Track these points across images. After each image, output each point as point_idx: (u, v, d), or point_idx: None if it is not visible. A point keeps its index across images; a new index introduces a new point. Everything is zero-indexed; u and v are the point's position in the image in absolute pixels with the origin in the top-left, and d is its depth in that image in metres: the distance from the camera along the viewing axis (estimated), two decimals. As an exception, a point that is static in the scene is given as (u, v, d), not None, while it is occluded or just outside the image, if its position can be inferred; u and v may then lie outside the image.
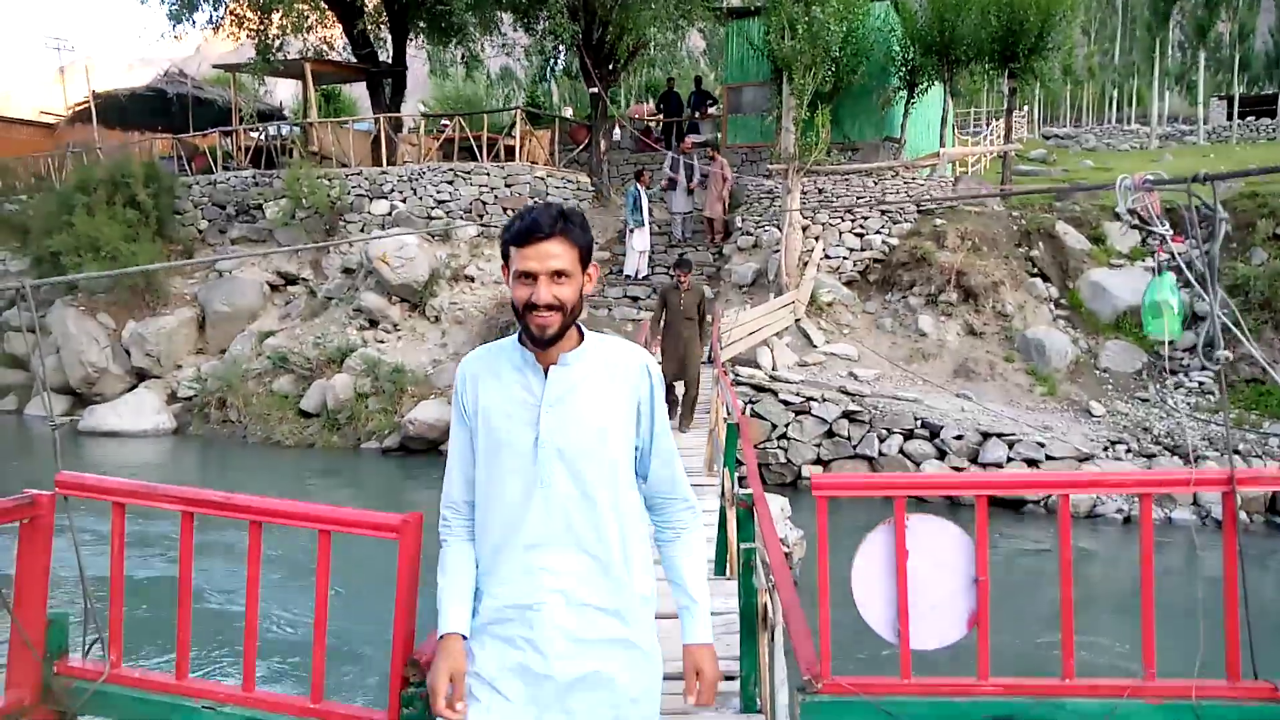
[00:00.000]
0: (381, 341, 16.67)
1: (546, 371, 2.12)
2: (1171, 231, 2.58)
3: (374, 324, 16.96)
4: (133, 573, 8.69)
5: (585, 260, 2.11)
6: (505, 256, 2.12)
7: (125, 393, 17.28)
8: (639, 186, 16.94)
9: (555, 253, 2.04)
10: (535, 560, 2.09)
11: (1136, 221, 2.55)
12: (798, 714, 2.51)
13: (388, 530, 2.51)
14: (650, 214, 17.38)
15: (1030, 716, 2.46)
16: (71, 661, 2.78)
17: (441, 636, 2.14)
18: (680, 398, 10.35)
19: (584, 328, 2.20)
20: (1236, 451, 11.65)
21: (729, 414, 7.77)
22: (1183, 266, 2.50)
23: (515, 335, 2.17)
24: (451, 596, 2.18)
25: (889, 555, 2.54)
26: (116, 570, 2.76)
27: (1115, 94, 53.63)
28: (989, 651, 2.52)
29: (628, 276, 17.30)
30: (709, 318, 10.64)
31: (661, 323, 10.22)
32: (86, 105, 24.17)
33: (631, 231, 17.15)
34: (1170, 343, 14.97)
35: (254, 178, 19.85)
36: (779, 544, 3.57)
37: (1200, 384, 13.61)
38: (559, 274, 2.05)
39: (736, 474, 6.51)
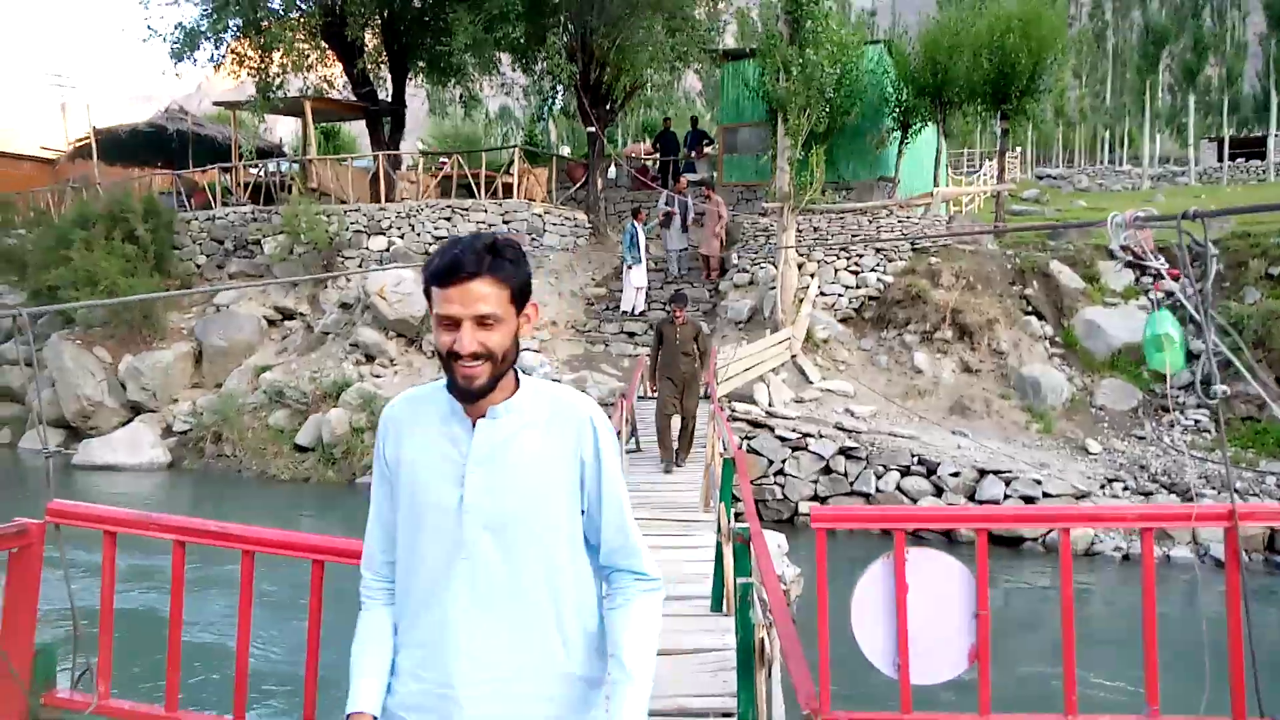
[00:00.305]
0: (378, 376, 16.65)
1: (476, 424, 1.87)
2: (1167, 265, 2.59)
3: (370, 359, 16.95)
4: (124, 603, 8.60)
5: (521, 299, 1.85)
6: (428, 296, 1.84)
7: (120, 426, 17.21)
8: (636, 224, 17.06)
9: (482, 294, 1.78)
10: (456, 638, 1.83)
11: (1130, 258, 2.57)
12: (797, 750, 2.48)
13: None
14: (647, 251, 17.48)
15: (1032, 753, 2.43)
16: (59, 692, 2.75)
17: (348, 716, 1.93)
18: (677, 434, 10.22)
19: (521, 373, 1.94)
20: (1235, 490, 11.62)
21: (725, 449, 7.76)
22: (1183, 301, 2.52)
23: (446, 379, 1.88)
24: (363, 669, 1.96)
25: (889, 589, 2.52)
26: (107, 600, 2.73)
27: (1107, 135, 54.29)
28: (990, 686, 2.49)
29: (625, 313, 17.35)
30: (707, 343, 10.66)
31: (658, 358, 10.13)
32: (87, 141, 24.31)
33: (629, 268, 17.21)
34: (1172, 376, 15.01)
35: (253, 213, 19.94)
36: (776, 579, 3.54)
37: (1196, 421, 13.62)
38: (486, 319, 1.79)
39: (733, 510, 6.48)
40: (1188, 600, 10.13)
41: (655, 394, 10.34)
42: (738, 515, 6.46)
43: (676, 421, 10.20)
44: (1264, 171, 38.80)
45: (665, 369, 10.01)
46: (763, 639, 4.13)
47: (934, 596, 2.49)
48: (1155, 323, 2.74)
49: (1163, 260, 2.63)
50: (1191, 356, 14.54)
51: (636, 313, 17.24)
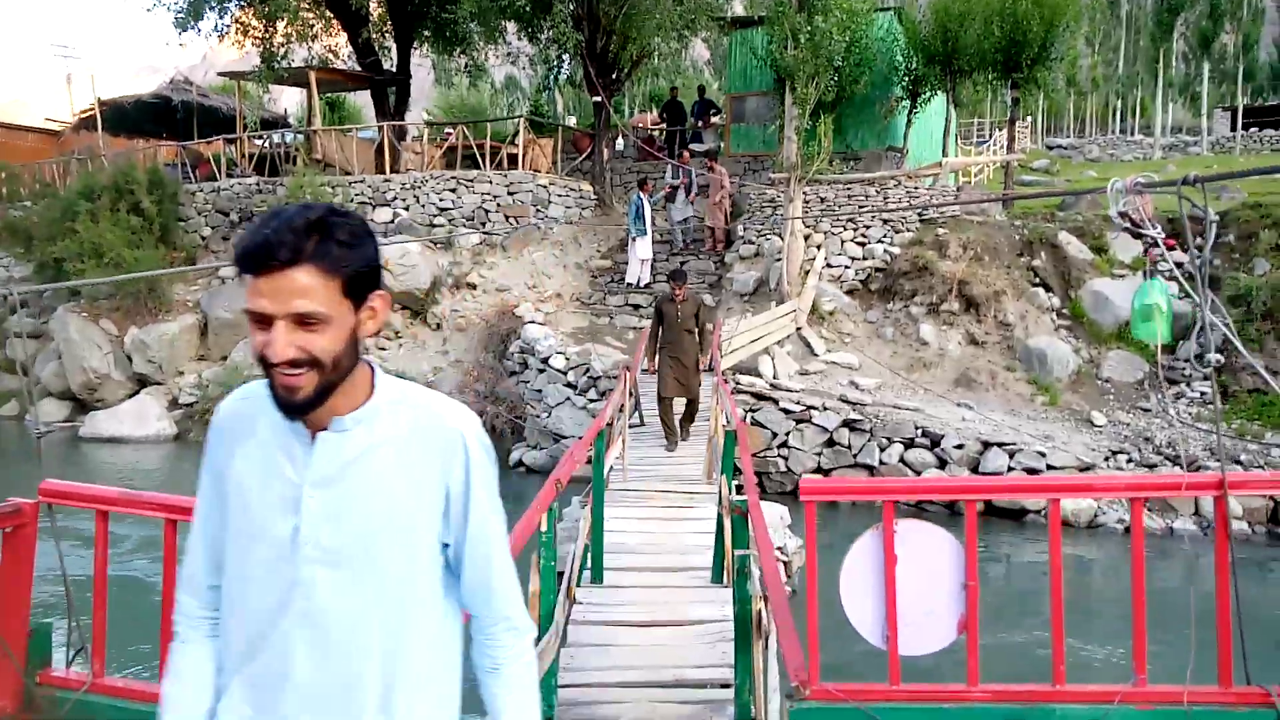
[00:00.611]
0: (383, 349, 16.68)
1: (316, 439, 1.52)
2: (1163, 234, 2.56)
3: (375, 331, 16.95)
4: (120, 579, 8.67)
5: (357, 291, 1.49)
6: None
7: (127, 399, 17.30)
8: (642, 195, 16.96)
9: (301, 286, 1.41)
10: (283, 695, 1.51)
11: (1128, 224, 2.54)
12: (785, 720, 2.50)
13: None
14: (653, 223, 17.39)
15: (1020, 723, 2.44)
16: (54, 671, 2.77)
17: None
18: (678, 416, 9.99)
19: (378, 371, 1.59)
20: (1238, 462, 11.59)
21: (728, 421, 7.76)
22: (1175, 272, 2.49)
23: None
24: (176, 712, 1.60)
25: (877, 560, 2.52)
26: (100, 579, 2.75)
27: (1119, 105, 53.68)
28: (979, 657, 2.50)
29: (630, 285, 17.29)
30: (709, 327, 10.26)
31: (658, 337, 9.78)
32: (92, 112, 24.24)
33: (633, 240, 17.13)
34: (1161, 346, 14.92)
35: (258, 185, 19.90)
36: (772, 551, 3.55)
37: (1202, 394, 13.55)
38: (307, 318, 1.42)
39: (734, 482, 6.49)
40: (1188, 572, 10.14)
41: (655, 372, 10.02)
42: (738, 487, 6.48)
43: (679, 404, 9.96)
44: (1278, 141, 38.37)
45: (666, 348, 9.64)
46: (760, 611, 4.15)
47: (923, 568, 2.49)
48: (1145, 292, 2.72)
49: (1159, 228, 2.60)
50: (1194, 326, 14.46)
51: (641, 285, 17.19)
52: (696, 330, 9.69)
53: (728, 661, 4.87)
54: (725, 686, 4.69)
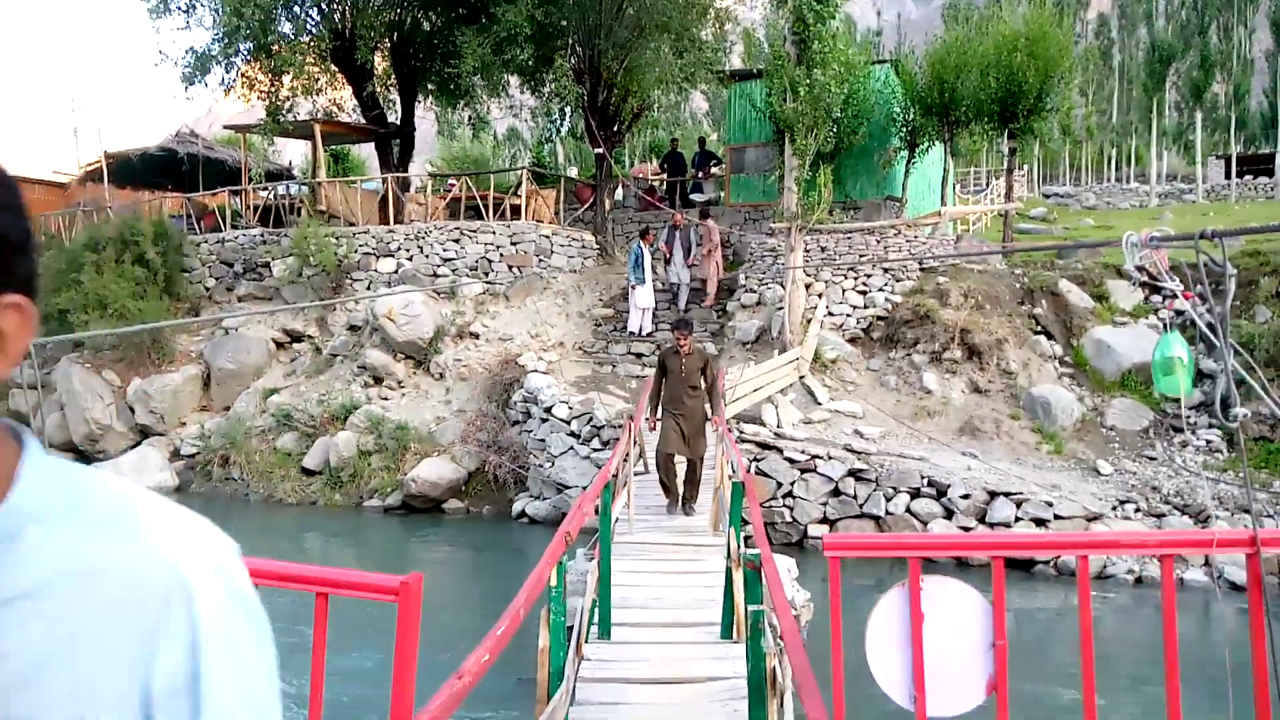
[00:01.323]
0: (385, 399, 16.65)
1: None
2: (1182, 287, 2.55)
3: (378, 381, 16.96)
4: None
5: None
6: None
7: (129, 450, 17.23)
8: (642, 244, 17.05)
9: None
10: None
11: (1145, 278, 2.53)
12: (811, 785, 2.42)
13: (386, 592, 2.44)
14: (654, 271, 17.44)
15: (1053, 788, 2.36)
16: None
17: None
18: (682, 480, 9.16)
19: (31, 446, 0.88)
20: (1245, 511, 11.50)
21: (734, 472, 7.70)
22: (1196, 320, 2.47)
23: None
24: None
25: (904, 618, 2.47)
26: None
27: (1114, 153, 54.29)
28: (1009, 718, 2.44)
29: (632, 334, 17.28)
30: (716, 380, 9.38)
31: (660, 394, 9.03)
32: (98, 165, 24.49)
33: (633, 288, 17.17)
34: (1184, 399, 14.84)
35: (262, 236, 20.03)
36: (788, 606, 3.49)
37: (1208, 442, 13.50)
38: None
39: (742, 534, 6.41)
40: (1201, 623, 10.01)
41: (655, 427, 9.28)
42: (747, 539, 6.40)
43: (682, 468, 9.14)
44: (1272, 189, 38.75)
45: (669, 405, 8.87)
46: (774, 668, 4.08)
47: (950, 626, 2.44)
48: (1165, 345, 2.70)
49: (1177, 281, 2.59)
50: (1201, 376, 14.45)
51: (643, 334, 17.20)
52: (704, 386, 8.92)
53: (740, 720, 4.78)
54: (739, 746, 4.59)
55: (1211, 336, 2.47)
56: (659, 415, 9.12)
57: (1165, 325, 2.56)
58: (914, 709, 2.48)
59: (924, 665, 2.45)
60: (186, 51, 20.06)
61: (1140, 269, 3.14)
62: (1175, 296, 2.55)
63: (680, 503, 9.09)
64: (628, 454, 9.09)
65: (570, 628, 4.51)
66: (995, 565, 2.49)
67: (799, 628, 7.24)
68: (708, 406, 8.97)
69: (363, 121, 22.11)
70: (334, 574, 2.48)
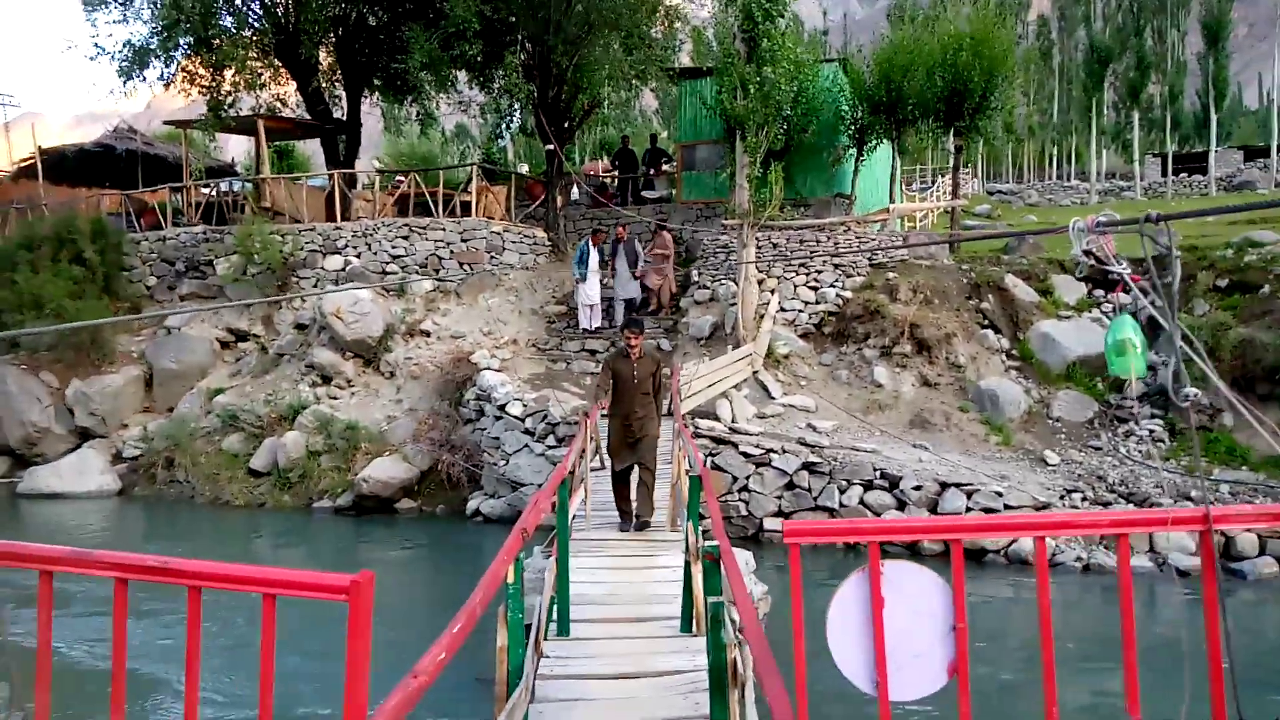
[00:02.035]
0: (335, 398, 16.38)
1: None
2: (1130, 270, 2.58)
3: (327, 380, 16.67)
4: (62, 643, 8.29)
5: None
6: None
7: (68, 453, 16.74)
8: (590, 242, 16.95)
9: None
10: None
11: (1093, 262, 2.55)
12: (775, 773, 2.40)
13: (336, 592, 2.38)
14: (600, 268, 17.12)
15: (1014, 769, 2.37)
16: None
17: None
18: (634, 493, 8.46)
19: None
20: (1188, 498, 11.80)
21: (691, 466, 7.68)
22: (1146, 305, 2.50)
23: None
24: None
25: (865, 604, 2.46)
26: (44, 644, 2.58)
27: (1055, 151, 55.43)
28: (969, 700, 2.44)
29: (585, 330, 17.18)
30: (666, 388, 8.80)
31: (609, 398, 8.32)
32: (32, 161, 23.77)
33: (578, 283, 17.05)
34: (1135, 381, 15.25)
35: (204, 234, 19.59)
36: (748, 597, 3.47)
37: (1151, 432, 13.82)
38: None
39: (700, 528, 6.40)
40: (1148, 608, 10.24)
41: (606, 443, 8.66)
42: (705, 533, 6.39)
43: (633, 478, 8.48)
44: (1206, 186, 39.84)
45: (619, 414, 8.22)
46: (735, 659, 4.06)
47: (911, 611, 2.44)
48: (1118, 328, 2.73)
49: (1125, 264, 2.62)
50: (1147, 368, 14.78)
51: (594, 328, 17.11)
52: (653, 393, 8.27)
53: (701, 712, 4.76)
54: (699, 739, 4.57)
55: (1160, 318, 2.50)
56: (609, 416, 8.38)
57: (1116, 308, 2.59)
58: (876, 694, 2.48)
59: (885, 650, 2.44)
60: (124, 45, 19.59)
61: (1088, 253, 3.19)
62: (1123, 281, 2.58)
63: (634, 519, 8.43)
64: (584, 450, 9.01)
65: (529, 625, 4.44)
66: (954, 549, 2.49)
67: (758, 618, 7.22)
68: (657, 413, 8.38)
69: (307, 117, 21.75)
70: (281, 574, 2.40)
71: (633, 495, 8.43)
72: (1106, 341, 2.61)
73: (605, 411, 8.63)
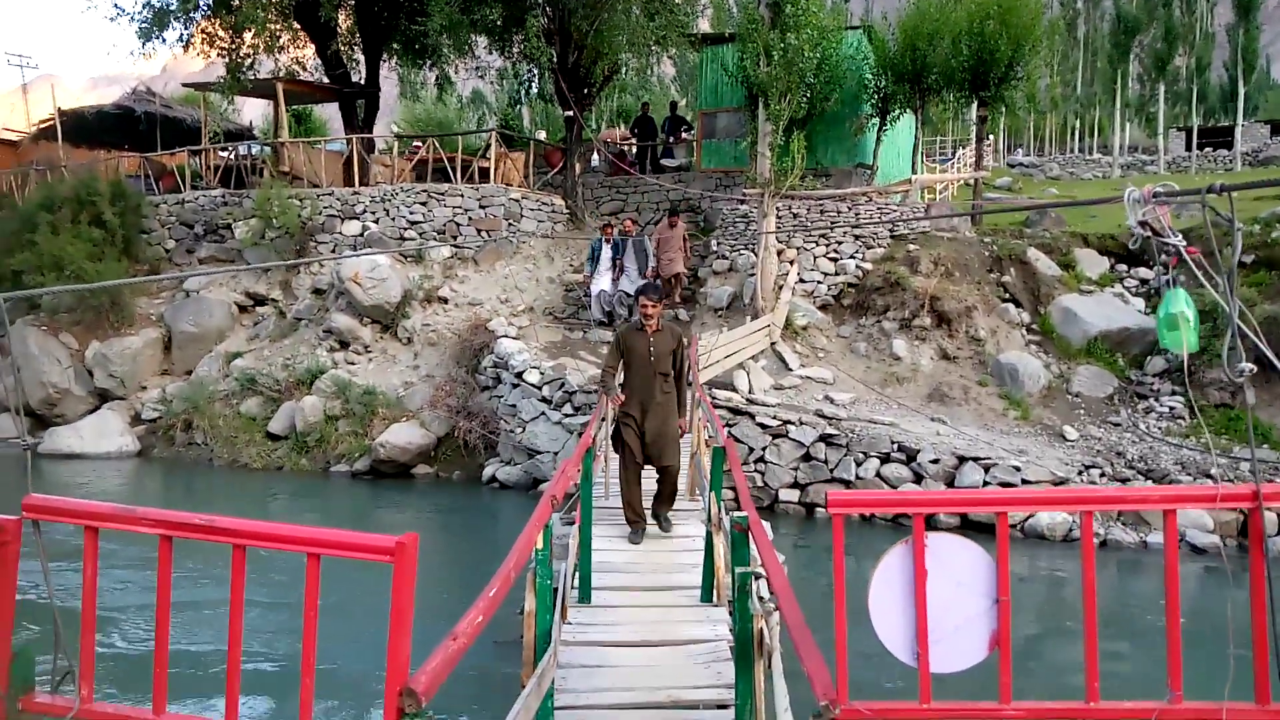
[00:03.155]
0: (352, 363, 16.43)
1: None
2: (1185, 243, 2.53)
3: (344, 345, 16.72)
4: (104, 601, 8.41)
5: None
6: None
7: (88, 414, 16.88)
8: (603, 240, 16.34)
9: None
10: None
11: (1148, 234, 2.50)
12: (813, 742, 2.40)
13: (381, 553, 2.38)
14: (612, 264, 16.26)
15: (1055, 743, 2.37)
16: (38, 697, 2.61)
17: None
18: (650, 493, 7.34)
19: None
20: (1208, 476, 11.74)
21: (713, 436, 7.68)
22: (1200, 279, 2.46)
23: None
24: None
25: (907, 575, 2.45)
26: (89, 599, 2.59)
27: (1077, 124, 54.73)
28: (1011, 674, 2.43)
29: (599, 322, 16.41)
30: (689, 369, 7.34)
31: (620, 380, 7.02)
32: (51, 123, 23.76)
33: (589, 279, 16.54)
34: (1130, 362, 14.93)
35: (223, 197, 19.59)
36: (780, 567, 3.47)
37: (1171, 409, 13.73)
38: None
39: (724, 497, 6.41)
40: (1163, 585, 10.21)
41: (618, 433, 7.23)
42: (730, 504, 6.39)
43: (649, 476, 7.27)
44: (1231, 161, 39.28)
45: (632, 399, 6.89)
46: (761, 629, 4.07)
47: (953, 583, 2.42)
48: (1171, 301, 2.68)
49: (1179, 236, 2.57)
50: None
51: (605, 316, 16.39)
52: (674, 374, 6.93)
53: (722, 682, 4.79)
54: (721, 707, 4.60)
55: (1215, 294, 2.45)
56: (621, 398, 7.04)
57: (1171, 281, 2.54)
58: (916, 666, 2.47)
59: (927, 622, 2.43)
60: (144, 6, 19.47)
61: (1143, 224, 3.13)
62: (1179, 253, 2.53)
63: (653, 518, 7.32)
64: (604, 418, 8.99)
65: (556, 590, 4.47)
66: (1000, 521, 2.47)
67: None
68: (678, 398, 7.07)
69: (326, 81, 21.63)
70: (326, 534, 2.40)
71: (645, 502, 7.25)
72: (1159, 315, 2.57)
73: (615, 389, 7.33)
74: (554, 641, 4.19)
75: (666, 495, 7.32)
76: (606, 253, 16.25)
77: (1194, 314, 2.56)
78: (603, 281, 16.34)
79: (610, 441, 7.66)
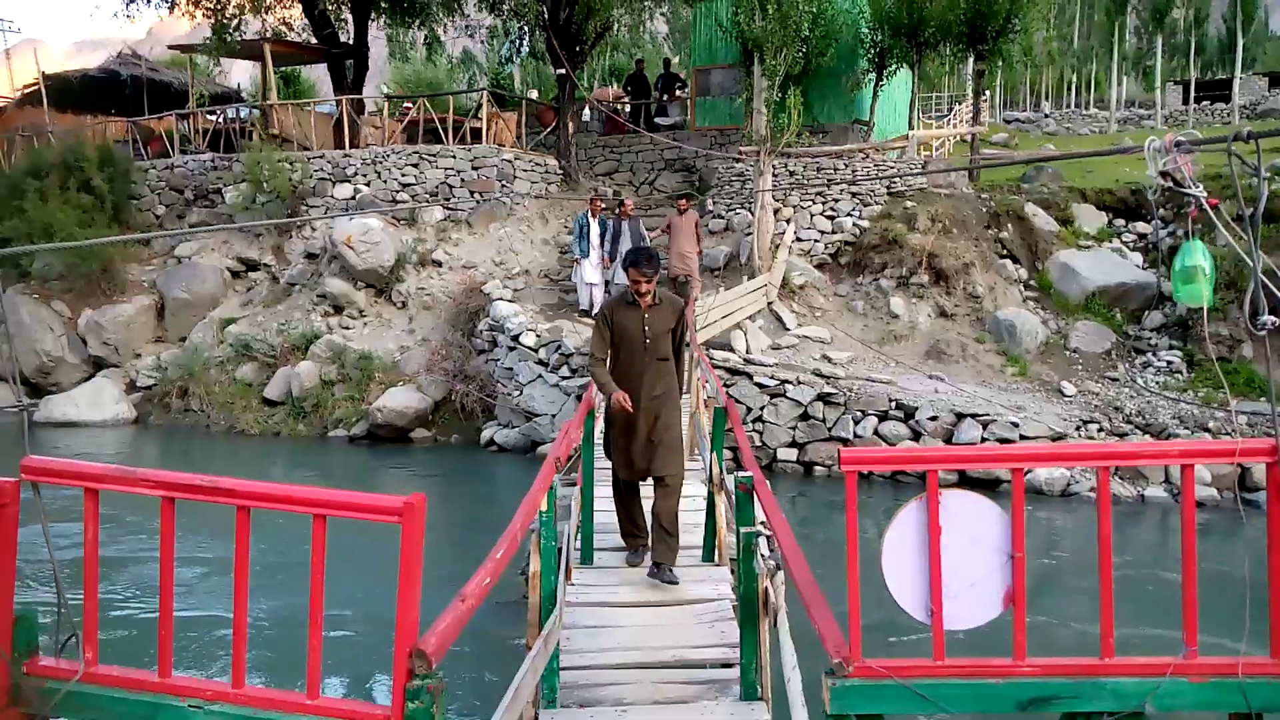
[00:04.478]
0: (347, 328, 16.34)
1: None
2: (1206, 194, 2.47)
3: (339, 310, 16.62)
4: (107, 565, 8.42)
5: None
6: None
7: (82, 382, 16.81)
8: (589, 214, 14.64)
9: None
10: None
11: (1170, 185, 2.44)
12: (827, 699, 2.39)
13: (389, 513, 2.34)
14: (602, 244, 14.47)
15: (1070, 697, 2.36)
16: (43, 660, 2.59)
17: None
18: (650, 519, 5.72)
19: None
20: (1206, 429, 11.76)
21: (713, 396, 7.65)
22: (1219, 228, 2.40)
23: None
24: None
25: (921, 532, 2.41)
26: (91, 561, 2.56)
27: (1074, 79, 54.20)
28: (1025, 631, 2.41)
29: (584, 312, 14.92)
30: (688, 344, 6.37)
31: (609, 363, 5.59)
32: (36, 88, 23.39)
33: (578, 262, 14.99)
34: (1129, 317, 14.87)
35: (212, 161, 19.36)
36: (787, 526, 3.45)
37: (1169, 363, 13.73)
38: None
39: (725, 457, 6.39)
40: (1160, 535, 10.31)
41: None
42: (732, 463, 6.37)
43: (647, 497, 5.85)
44: (1229, 114, 38.96)
45: (624, 384, 5.43)
46: (766, 588, 4.06)
47: (968, 539, 2.39)
48: (1186, 253, 2.64)
49: (1201, 188, 2.51)
50: (1163, 298, 14.64)
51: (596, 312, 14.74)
52: (673, 353, 5.62)
53: (726, 641, 4.80)
54: (726, 666, 4.61)
55: (1236, 246, 2.40)
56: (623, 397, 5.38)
57: (1188, 233, 2.49)
58: (930, 623, 2.45)
59: (941, 579, 2.41)
60: (126, -35, 19.06)
61: (1165, 175, 3.06)
62: (1200, 205, 2.47)
63: (650, 555, 5.75)
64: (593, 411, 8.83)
65: (560, 550, 4.45)
66: (1015, 477, 2.44)
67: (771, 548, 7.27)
68: (675, 384, 5.73)
69: (314, 41, 21.28)
70: (333, 495, 2.37)
71: (646, 513, 5.89)
72: (1174, 268, 2.52)
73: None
74: (559, 603, 4.18)
75: (665, 525, 5.53)
76: (594, 229, 14.49)
77: (1211, 267, 2.50)
78: (592, 272, 14.66)
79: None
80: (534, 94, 29.92)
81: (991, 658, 2.45)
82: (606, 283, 14.58)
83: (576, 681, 4.38)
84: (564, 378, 13.53)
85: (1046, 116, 44.28)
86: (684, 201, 14.34)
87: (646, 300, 5.45)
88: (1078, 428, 12.07)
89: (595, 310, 13.60)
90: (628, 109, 22.80)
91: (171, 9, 19.88)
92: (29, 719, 2.53)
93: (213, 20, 19.29)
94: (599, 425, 6.30)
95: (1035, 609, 7.90)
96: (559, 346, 13.78)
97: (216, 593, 7.88)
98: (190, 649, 6.72)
